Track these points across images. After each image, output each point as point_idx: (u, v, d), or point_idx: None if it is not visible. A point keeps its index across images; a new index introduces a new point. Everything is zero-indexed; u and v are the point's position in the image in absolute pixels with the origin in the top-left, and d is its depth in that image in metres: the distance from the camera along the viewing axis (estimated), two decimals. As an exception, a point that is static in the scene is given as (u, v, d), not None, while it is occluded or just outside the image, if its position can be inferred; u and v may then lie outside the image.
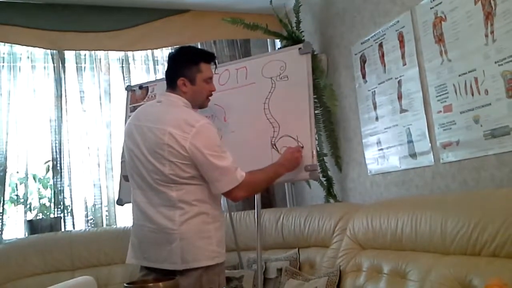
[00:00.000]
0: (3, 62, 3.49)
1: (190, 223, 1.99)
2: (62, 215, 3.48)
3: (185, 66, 2.12)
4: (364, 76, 3.08)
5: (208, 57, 2.18)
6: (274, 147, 2.67)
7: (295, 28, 3.44)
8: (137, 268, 2.16)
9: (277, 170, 2.29)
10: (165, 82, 3.17)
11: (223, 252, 2.06)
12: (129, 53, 3.88)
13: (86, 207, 3.57)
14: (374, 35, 2.95)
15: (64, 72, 3.63)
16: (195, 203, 2.01)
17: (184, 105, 2.11)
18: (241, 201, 3.81)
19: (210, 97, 2.23)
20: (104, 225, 3.60)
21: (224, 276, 2.09)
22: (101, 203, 3.61)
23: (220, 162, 2.00)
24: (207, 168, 1.99)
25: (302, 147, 2.46)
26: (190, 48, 2.25)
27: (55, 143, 3.52)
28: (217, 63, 2.24)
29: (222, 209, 2.17)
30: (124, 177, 2.32)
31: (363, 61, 3.08)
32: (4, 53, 3.51)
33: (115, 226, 3.55)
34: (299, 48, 2.81)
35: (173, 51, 2.23)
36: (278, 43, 3.94)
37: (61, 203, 3.48)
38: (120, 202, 3.06)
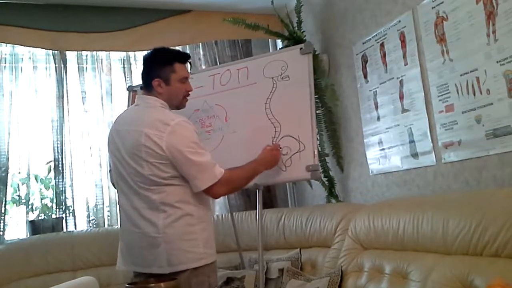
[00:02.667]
0: (5, 63, 3.50)
1: (174, 226, 1.98)
2: (64, 215, 3.48)
3: (159, 67, 2.12)
4: (365, 76, 3.08)
5: (182, 57, 2.18)
6: (276, 147, 2.67)
7: (296, 28, 3.44)
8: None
9: (256, 168, 2.29)
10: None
11: (212, 252, 2.05)
12: (131, 54, 3.88)
13: (88, 207, 3.57)
14: (376, 35, 2.95)
15: (65, 72, 3.64)
16: (178, 205, 2.00)
17: (161, 106, 2.11)
18: (242, 201, 3.84)
19: (187, 97, 2.22)
20: (106, 226, 3.60)
21: (215, 276, 2.07)
22: (103, 204, 3.61)
23: (198, 158, 1.99)
24: (185, 166, 1.98)
25: (280, 146, 2.48)
26: (164, 49, 2.23)
27: (57, 143, 3.52)
28: (191, 63, 2.27)
29: (209, 209, 2.15)
30: (113, 185, 2.33)
31: (364, 61, 3.08)
32: (6, 54, 3.51)
33: (116, 227, 3.55)
34: (301, 48, 2.81)
35: (147, 53, 2.21)
36: (279, 43, 3.94)
37: (63, 203, 3.48)
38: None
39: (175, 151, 1.97)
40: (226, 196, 3.54)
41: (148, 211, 2.00)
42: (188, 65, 2.22)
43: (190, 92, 2.21)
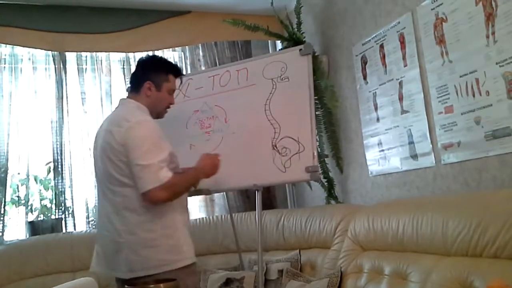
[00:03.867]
0: (5, 64, 3.49)
1: (135, 232, 1.96)
2: (63, 216, 3.47)
3: (155, 71, 2.17)
4: (365, 77, 3.08)
5: (177, 71, 2.25)
6: (275, 148, 2.67)
7: (296, 29, 3.44)
8: None
9: (197, 175, 2.20)
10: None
11: (177, 259, 1.99)
12: (130, 55, 3.88)
13: (87, 208, 3.57)
14: (375, 36, 2.95)
15: (65, 73, 3.63)
16: (140, 210, 1.97)
17: (136, 107, 2.11)
18: (241, 202, 3.84)
19: (168, 110, 2.25)
20: (105, 226, 3.59)
21: (185, 283, 1.95)
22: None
23: (143, 159, 1.93)
24: (131, 164, 1.95)
25: (219, 157, 2.36)
26: (162, 58, 2.30)
27: (56, 144, 3.52)
28: (182, 80, 2.36)
29: (180, 213, 2.09)
30: None
31: (364, 62, 3.08)
32: (5, 55, 3.51)
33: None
34: (300, 49, 2.81)
35: (143, 57, 2.26)
36: (279, 44, 3.94)
37: (62, 204, 3.48)
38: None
39: (127, 147, 1.96)
40: (225, 197, 3.55)
41: (114, 216, 2.00)
42: (179, 81, 2.29)
43: (173, 104, 2.26)
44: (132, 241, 1.97)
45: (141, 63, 2.23)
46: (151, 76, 2.15)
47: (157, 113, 2.20)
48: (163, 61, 2.25)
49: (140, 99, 2.14)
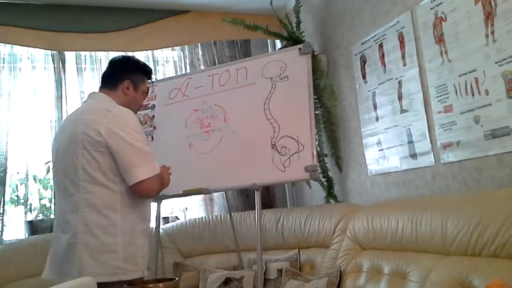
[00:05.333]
0: (4, 63, 3.49)
1: (95, 235, 1.87)
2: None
3: (135, 72, 2.20)
4: (364, 77, 3.08)
5: (151, 75, 2.30)
6: (275, 147, 2.67)
7: (295, 28, 3.44)
8: None
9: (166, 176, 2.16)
10: (165, 82, 3.19)
11: (134, 269, 1.92)
12: (130, 54, 3.87)
13: (86, 207, 3.56)
14: (374, 35, 2.95)
15: (64, 72, 3.63)
16: (104, 212, 1.90)
17: (111, 101, 2.10)
18: (240, 201, 3.84)
19: (138, 111, 2.33)
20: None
21: None
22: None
23: (142, 145, 1.94)
24: (126, 152, 1.90)
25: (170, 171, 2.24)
26: (145, 64, 2.31)
27: (56, 143, 3.51)
28: (151, 83, 2.38)
29: (142, 220, 2.03)
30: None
31: (363, 61, 3.08)
32: (4, 54, 3.50)
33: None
34: (299, 49, 2.81)
35: (119, 56, 2.29)
36: (278, 44, 3.94)
37: (61, 203, 3.47)
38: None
39: (115, 136, 1.90)
40: (225, 196, 3.56)
41: (72, 215, 1.91)
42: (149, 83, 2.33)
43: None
44: (90, 243, 1.87)
45: (120, 60, 2.25)
46: (131, 75, 2.17)
47: None
48: (141, 63, 2.28)
49: (116, 96, 2.12)
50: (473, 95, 2.23)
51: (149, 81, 2.29)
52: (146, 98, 3.15)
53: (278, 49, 3.72)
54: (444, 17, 2.38)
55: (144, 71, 2.25)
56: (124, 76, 2.16)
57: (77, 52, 3.68)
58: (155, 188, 1.98)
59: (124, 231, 1.92)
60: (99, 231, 1.89)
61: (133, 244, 1.95)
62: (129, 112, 2.04)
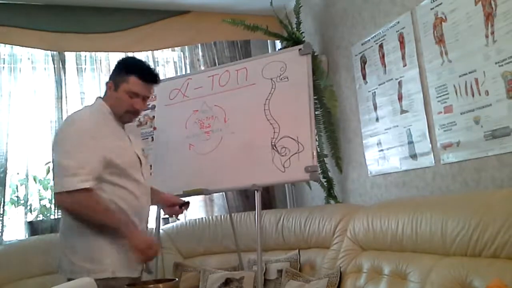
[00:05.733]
0: (4, 64, 3.49)
1: (64, 233, 2.02)
2: (62, 216, 3.47)
3: (117, 71, 2.12)
4: (364, 77, 3.08)
5: (144, 75, 2.08)
6: (275, 148, 2.67)
7: (295, 29, 3.44)
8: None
9: (119, 228, 1.94)
10: (165, 83, 3.19)
11: (93, 269, 1.91)
12: (130, 54, 3.87)
13: (86, 208, 3.56)
14: (375, 36, 2.95)
15: (64, 73, 3.63)
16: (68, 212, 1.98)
17: (91, 106, 2.12)
18: (241, 202, 3.84)
19: (132, 114, 2.12)
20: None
21: None
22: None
23: (64, 158, 1.87)
24: (53, 160, 1.96)
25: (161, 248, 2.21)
26: (132, 59, 2.22)
27: (56, 144, 3.51)
28: (157, 83, 2.15)
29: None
30: None
31: (363, 62, 3.08)
32: (4, 55, 3.50)
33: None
34: (299, 49, 2.81)
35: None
36: (278, 44, 3.94)
37: (62, 204, 3.47)
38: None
39: (53, 145, 1.99)
40: (225, 197, 3.56)
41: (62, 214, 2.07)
42: (146, 86, 2.11)
43: (138, 110, 2.10)
44: (63, 241, 2.02)
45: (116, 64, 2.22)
46: (114, 75, 2.13)
47: (119, 116, 2.11)
48: (128, 62, 2.17)
49: (106, 99, 2.13)
50: (473, 95, 2.23)
51: (142, 81, 2.08)
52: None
53: (278, 49, 3.72)
54: (444, 18, 2.39)
55: (126, 69, 2.08)
56: (110, 77, 2.15)
57: (77, 52, 3.69)
58: (67, 206, 1.90)
59: (82, 231, 1.95)
60: (68, 231, 2.01)
61: (93, 244, 1.96)
62: (79, 122, 1.98)
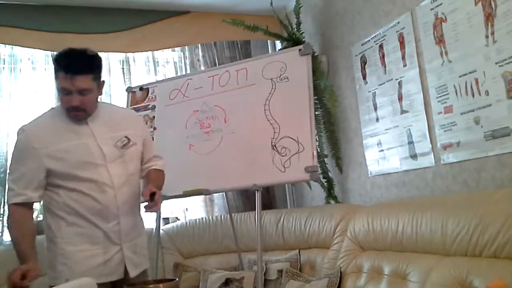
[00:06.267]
0: (4, 64, 3.49)
1: (46, 235, 2.03)
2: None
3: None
4: (364, 77, 3.08)
5: (63, 66, 1.88)
6: (275, 148, 2.67)
7: (295, 29, 3.44)
8: None
9: (20, 257, 1.95)
10: (165, 83, 3.20)
11: (53, 276, 1.93)
12: (130, 55, 3.88)
13: (87, 208, 3.56)
14: (375, 36, 2.95)
15: (64, 73, 3.62)
16: (45, 214, 2.05)
17: (54, 109, 2.10)
18: (241, 202, 3.84)
19: (75, 111, 1.94)
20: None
21: None
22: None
23: (9, 174, 2.01)
24: None
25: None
26: (58, 53, 1.95)
27: (56, 144, 3.51)
28: (79, 72, 1.88)
29: (62, 228, 1.97)
30: None
31: (363, 62, 3.08)
32: (5, 55, 3.51)
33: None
34: (300, 49, 2.82)
35: None
36: (278, 44, 3.94)
37: (62, 204, 3.47)
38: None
39: None
40: (225, 197, 3.56)
41: None
42: (86, 78, 1.91)
43: (76, 106, 1.92)
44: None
45: None
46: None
47: (69, 116, 1.99)
48: (54, 58, 1.97)
49: None
50: (473, 95, 2.23)
51: (65, 74, 1.87)
52: (146, 99, 3.19)
53: (278, 50, 3.72)
54: (444, 18, 2.39)
55: (55, 67, 1.92)
56: None
57: (78, 53, 3.68)
58: (9, 215, 2.01)
59: (48, 238, 2.00)
60: (46, 233, 2.05)
61: (52, 250, 1.97)
62: (19, 134, 1.99)
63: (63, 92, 1.91)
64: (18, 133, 1.99)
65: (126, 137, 2.06)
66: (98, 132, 2.01)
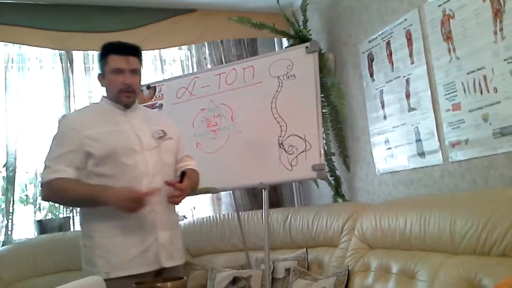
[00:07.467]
0: (12, 63, 3.51)
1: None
2: (71, 215, 3.49)
3: (98, 62, 2.16)
4: (371, 75, 3.06)
5: (117, 49, 2.07)
6: (282, 146, 2.67)
7: (302, 27, 3.43)
8: None
9: (96, 195, 1.92)
10: (172, 81, 3.20)
11: (91, 271, 1.92)
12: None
13: (95, 207, 3.58)
14: (382, 33, 2.94)
15: (72, 72, 3.65)
16: (80, 216, 2.08)
17: (91, 103, 2.17)
18: (248, 200, 3.84)
19: (126, 92, 2.06)
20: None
21: None
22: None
23: (46, 155, 2.03)
24: None
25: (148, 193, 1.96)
26: (105, 44, 2.12)
27: (64, 143, 3.53)
28: (134, 53, 2.09)
29: (99, 222, 1.96)
30: None
31: (370, 59, 3.06)
32: (13, 54, 3.53)
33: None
34: (306, 47, 2.81)
35: None
36: (285, 42, 3.94)
37: (70, 203, 3.50)
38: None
39: None
40: (232, 195, 3.56)
41: None
42: (136, 59, 2.09)
43: (128, 85, 2.05)
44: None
45: None
46: (98, 67, 2.15)
47: (115, 99, 2.09)
48: (102, 47, 2.11)
49: (105, 92, 2.15)
50: (481, 93, 2.22)
51: (119, 55, 2.05)
52: (153, 97, 3.20)
53: (285, 47, 3.72)
54: (452, 15, 2.37)
55: (103, 54, 2.09)
56: (98, 72, 2.16)
57: (85, 51, 3.70)
58: (46, 196, 2.05)
59: (84, 234, 2.02)
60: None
61: (90, 245, 1.98)
62: (63, 120, 2.10)
63: (117, 72, 2.04)
64: (59, 120, 2.08)
65: (162, 130, 2.15)
66: (135, 122, 2.10)
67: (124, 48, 2.08)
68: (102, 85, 2.13)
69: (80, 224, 2.08)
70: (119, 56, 2.05)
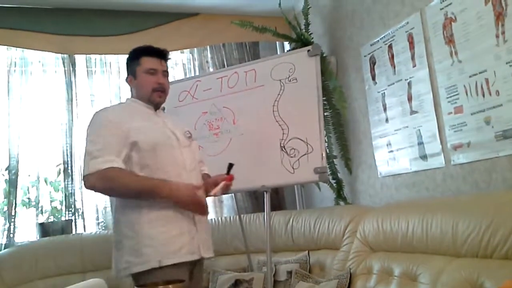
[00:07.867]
0: (15, 67, 3.53)
1: (114, 231, 2.04)
2: (73, 218, 3.49)
3: (129, 64, 2.19)
4: (373, 78, 3.07)
5: (150, 51, 2.16)
6: (284, 149, 2.68)
7: (304, 30, 3.44)
8: None
9: (155, 189, 1.93)
10: (174, 85, 3.20)
11: (136, 262, 1.90)
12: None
13: (97, 210, 3.59)
14: (384, 36, 2.94)
15: (74, 76, 3.66)
16: (118, 207, 2.03)
17: (121, 102, 2.17)
18: (250, 203, 3.84)
19: (159, 91, 2.13)
20: (115, 228, 3.61)
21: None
22: (112, 206, 3.62)
23: (89, 146, 1.97)
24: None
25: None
26: (136, 47, 2.20)
27: (66, 146, 3.54)
28: (166, 56, 2.20)
29: (148, 210, 1.95)
30: None
31: (372, 62, 3.07)
32: (15, 58, 3.54)
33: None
34: (308, 50, 2.82)
35: None
36: (287, 46, 3.94)
37: (72, 206, 3.50)
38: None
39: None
40: (234, 198, 3.56)
41: None
42: (156, 60, 2.15)
43: (161, 85, 2.13)
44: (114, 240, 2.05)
45: None
46: (128, 69, 2.19)
47: (148, 100, 2.14)
48: (134, 50, 2.20)
49: (132, 94, 2.20)
50: (483, 95, 2.22)
51: (152, 57, 2.14)
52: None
53: (287, 51, 3.72)
54: (454, 18, 2.37)
55: (135, 55, 2.16)
56: (127, 73, 2.20)
57: (87, 55, 3.71)
58: (95, 185, 1.92)
59: (127, 224, 1.97)
60: (115, 228, 2.05)
61: (136, 236, 1.93)
62: (102, 113, 2.07)
63: (151, 72, 2.12)
64: (93, 115, 2.07)
65: (188, 131, 2.24)
66: (167, 121, 2.18)
67: (156, 51, 2.17)
68: (132, 87, 2.18)
69: (117, 215, 2.02)
70: (153, 58, 2.14)
